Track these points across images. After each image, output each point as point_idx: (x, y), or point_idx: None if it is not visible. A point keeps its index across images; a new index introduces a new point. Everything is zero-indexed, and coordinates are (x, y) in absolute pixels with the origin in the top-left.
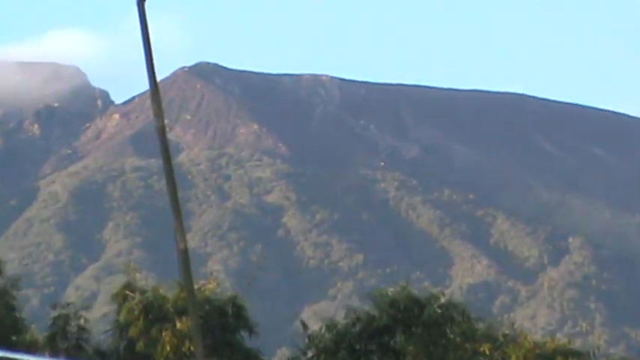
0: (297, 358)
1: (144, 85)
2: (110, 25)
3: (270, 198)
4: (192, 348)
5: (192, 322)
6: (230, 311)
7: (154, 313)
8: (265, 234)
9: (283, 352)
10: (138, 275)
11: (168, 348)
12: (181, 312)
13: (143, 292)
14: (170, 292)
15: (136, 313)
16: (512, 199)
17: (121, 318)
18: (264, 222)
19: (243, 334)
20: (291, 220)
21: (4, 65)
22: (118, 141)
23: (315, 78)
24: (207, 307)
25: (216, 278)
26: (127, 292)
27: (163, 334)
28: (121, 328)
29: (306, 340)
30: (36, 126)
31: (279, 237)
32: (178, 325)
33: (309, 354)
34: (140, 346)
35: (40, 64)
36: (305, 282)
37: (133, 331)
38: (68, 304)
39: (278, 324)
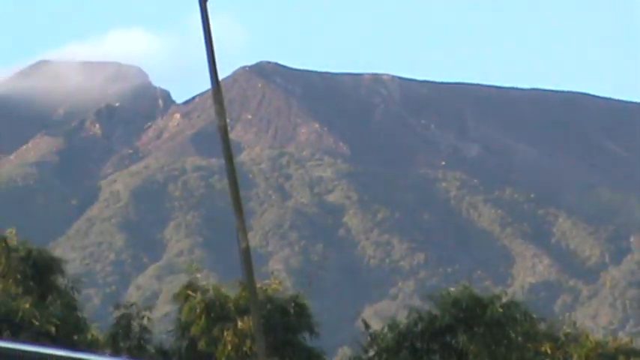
0: (358, 357)
1: (205, 85)
2: (172, 25)
3: (331, 197)
4: (253, 347)
5: (254, 322)
6: (292, 310)
7: (216, 312)
8: (326, 233)
9: (344, 351)
10: (199, 275)
11: (229, 347)
12: (243, 311)
13: (205, 291)
14: (232, 291)
15: (197, 312)
16: (573, 198)
17: (183, 317)
18: (325, 221)
19: (305, 333)
20: (352, 220)
21: (66, 65)
22: (179, 140)
23: (376, 77)
24: (268, 306)
25: (278, 277)
26: (189, 291)
27: (225, 333)
28: (183, 328)
29: (368, 339)
30: (97, 125)
31: (340, 236)
32: (240, 324)
33: (371, 353)
34: (202, 345)
35: (102, 63)
36: (366, 281)
37: (194, 330)
38: (132, 305)
39: (339, 323)
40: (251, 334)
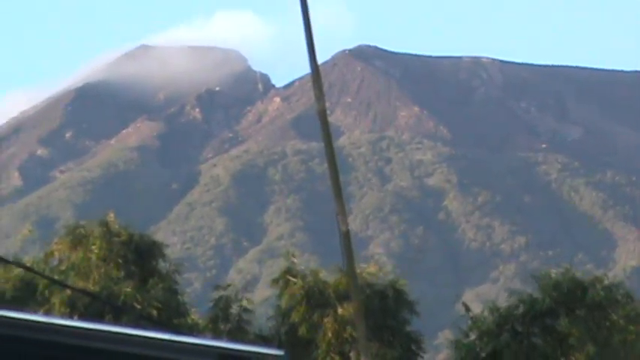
0: (459, 341)
1: (305, 69)
2: (271, 8)
3: (431, 181)
4: (353, 333)
5: (355, 306)
6: (390, 295)
7: (315, 298)
8: (426, 217)
9: (445, 334)
10: (296, 260)
11: (329, 334)
12: (342, 297)
13: (304, 276)
14: (331, 276)
15: (297, 299)
16: None
17: (283, 304)
18: (426, 205)
19: (404, 317)
20: (452, 203)
21: (167, 50)
22: (278, 124)
23: (476, 60)
24: (367, 291)
25: (377, 262)
26: (288, 277)
27: (325, 320)
28: (283, 314)
29: (469, 323)
30: (197, 110)
31: (441, 220)
32: (340, 310)
33: (472, 336)
34: (302, 331)
35: (202, 48)
36: (466, 265)
37: (294, 317)
38: (229, 285)
39: (439, 307)
40: (351, 320)
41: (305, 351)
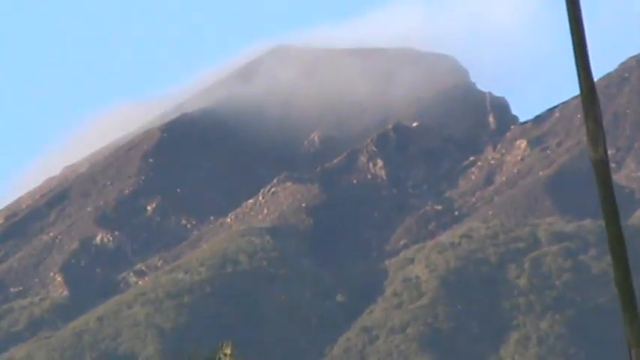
0: None
1: (570, 89)
2: None
3: None
4: None
5: None
6: None
7: None
8: None
9: None
10: None
11: None
12: None
13: None
14: None
15: None
16: None
17: None
18: None
19: None
20: None
21: (308, 54)
22: (525, 186)
23: None
24: None
25: None
26: None
27: None
28: None
29: None
30: (379, 162)
31: None
32: None
33: None
34: None
35: (376, 51)
36: None
37: None
38: None
39: None
40: None
41: None
